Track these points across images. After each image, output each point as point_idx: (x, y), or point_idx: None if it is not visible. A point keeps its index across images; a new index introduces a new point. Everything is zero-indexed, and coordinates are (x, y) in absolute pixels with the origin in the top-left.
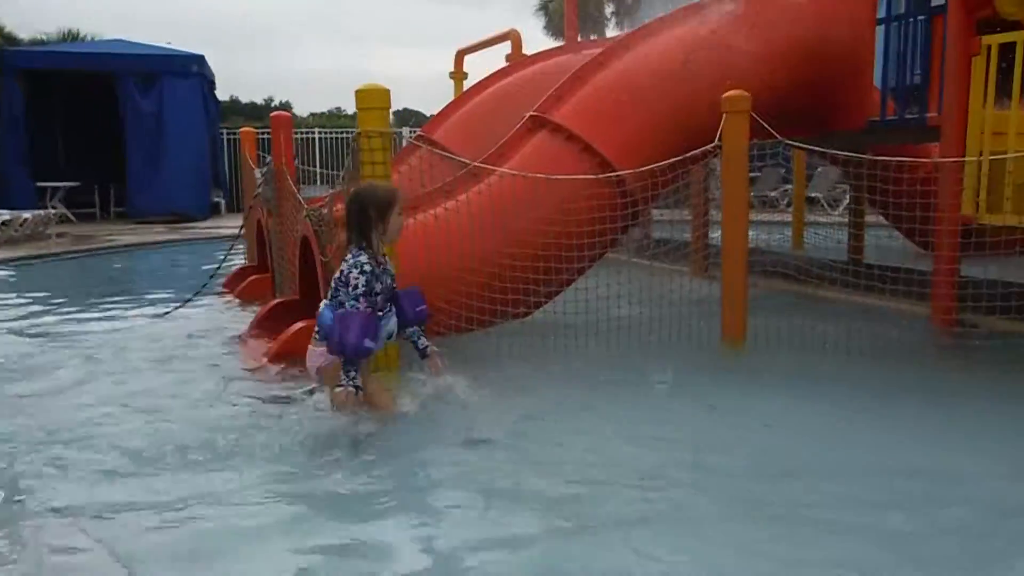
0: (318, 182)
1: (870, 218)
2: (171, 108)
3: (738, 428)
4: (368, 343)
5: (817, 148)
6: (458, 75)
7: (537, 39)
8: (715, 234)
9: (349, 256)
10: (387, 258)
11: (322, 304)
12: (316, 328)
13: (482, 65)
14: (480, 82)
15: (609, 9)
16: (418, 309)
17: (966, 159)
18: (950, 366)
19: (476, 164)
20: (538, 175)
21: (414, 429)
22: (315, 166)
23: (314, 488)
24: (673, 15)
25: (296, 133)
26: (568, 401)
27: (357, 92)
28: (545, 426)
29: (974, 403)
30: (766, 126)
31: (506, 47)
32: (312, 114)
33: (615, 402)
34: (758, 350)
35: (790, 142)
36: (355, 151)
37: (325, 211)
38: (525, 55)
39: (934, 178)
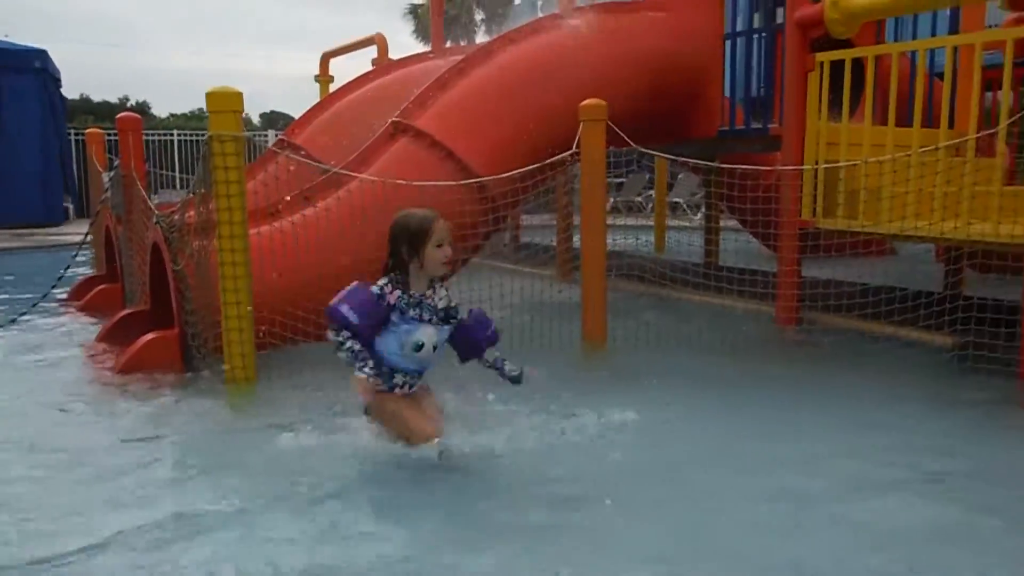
0: (177, 186)
1: (729, 222)
2: (10, 106)
3: (596, 428)
4: (348, 312)
5: (668, 155)
6: (324, 78)
7: (407, 43)
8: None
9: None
10: (436, 290)
11: None
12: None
13: (350, 68)
14: (344, 86)
15: (479, 15)
16: (489, 333)
17: (804, 167)
18: (790, 359)
19: (336, 170)
20: (400, 181)
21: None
22: (174, 170)
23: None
24: (535, 24)
25: (153, 135)
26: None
27: (208, 95)
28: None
29: (812, 392)
30: (621, 134)
31: (373, 51)
32: (172, 115)
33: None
34: (618, 350)
35: (645, 149)
36: (206, 156)
37: (177, 218)
38: (391, 59)
39: (780, 185)
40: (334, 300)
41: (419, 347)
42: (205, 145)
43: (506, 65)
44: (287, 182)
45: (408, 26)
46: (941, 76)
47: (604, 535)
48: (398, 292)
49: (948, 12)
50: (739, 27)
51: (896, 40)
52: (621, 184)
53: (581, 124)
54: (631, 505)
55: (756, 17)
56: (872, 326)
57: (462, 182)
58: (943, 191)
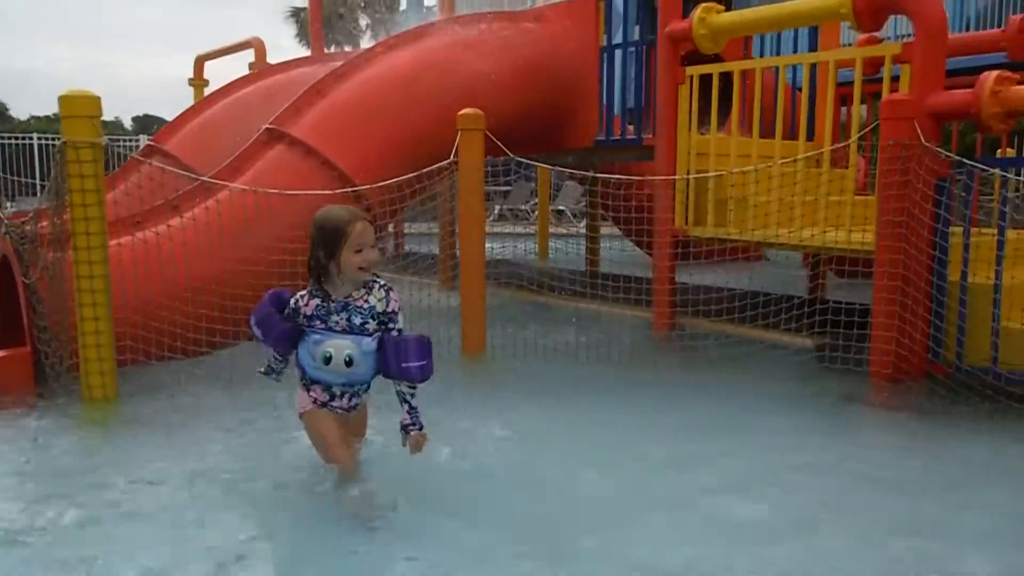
0: (36, 194)
1: (612, 229)
2: None
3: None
4: (254, 327)
5: (543, 164)
6: (198, 82)
7: (290, 47)
8: None
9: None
10: (373, 290)
11: None
12: None
13: (227, 71)
14: (218, 90)
15: (364, 21)
16: (404, 365)
17: (676, 177)
18: (665, 364)
19: (205, 179)
20: (272, 191)
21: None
22: (33, 176)
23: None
24: (416, 31)
25: (9, 138)
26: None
27: (61, 98)
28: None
29: (685, 396)
30: (498, 143)
31: (250, 54)
32: (34, 117)
33: None
34: (497, 359)
35: (521, 159)
36: (60, 163)
37: (28, 228)
38: (269, 64)
39: (653, 194)
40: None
41: (327, 359)
42: (58, 152)
43: (386, 72)
44: (152, 191)
45: (291, 29)
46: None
47: (477, 550)
48: (316, 301)
49: (808, 30)
50: (618, 40)
51: (762, 55)
52: (507, 193)
53: (459, 133)
54: (502, 519)
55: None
56: (742, 330)
57: (338, 191)
58: (802, 200)
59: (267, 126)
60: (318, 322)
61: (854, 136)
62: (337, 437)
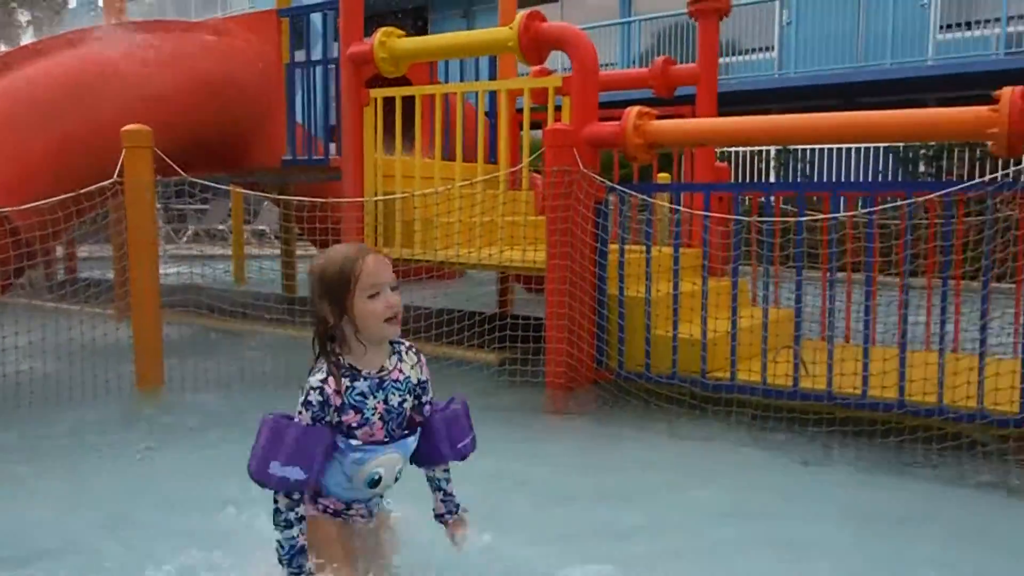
0: None
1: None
2: None
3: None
4: (280, 469)
5: (216, 185)
6: None
7: None
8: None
9: (308, 382)
10: (404, 356)
11: None
12: None
13: None
14: None
15: (25, 16)
16: (461, 444)
17: (360, 199)
18: None
19: None
20: None
21: None
22: None
23: None
24: (73, 35)
25: None
26: None
27: None
28: None
29: None
30: (169, 162)
31: None
32: None
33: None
34: (173, 392)
35: (195, 179)
36: None
37: None
38: None
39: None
40: (254, 459)
41: (374, 482)
42: None
43: (29, 81)
44: None
45: None
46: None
47: None
48: (346, 381)
49: (488, 60)
50: (317, 56)
51: (448, 80)
52: (204, 212)
53: (124, 151)
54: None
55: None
56: (430, 347)
57: None
58: (482, 221)
59: None
60: (352, 415)
61: (525, 160)
62: (346, 561)
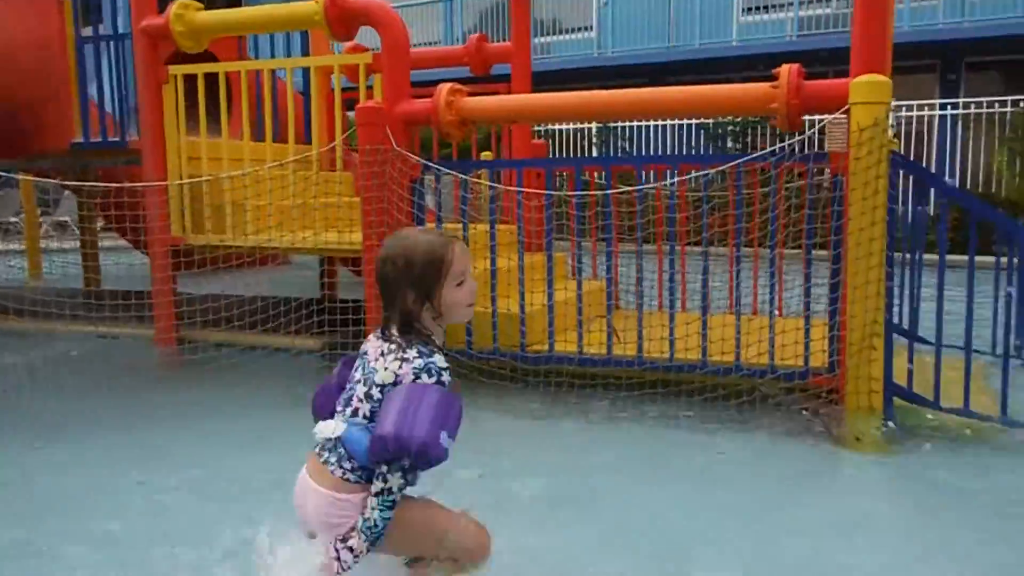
0: None
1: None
2: None
3: None
4: (447, 441)
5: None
6: None
7: None
8: None
9: (407, 363)
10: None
11: (341, 421)
12: (321, 456)
13: None
14: None
15: None
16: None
17: (167, 183)
18: (172, 384)
19: None
20: None
21: None
22: None
23: None
24: None
25: None
26: None
27: None
28: None
29: (195, 414)
30: None
31: None
32: None
33: None
34: None
35: None
36: None
37: None
38: None
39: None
40: (421, 425)
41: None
42: None
43: None
44: None
45: None
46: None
47: None
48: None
49: (300, 36)
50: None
51: (258, 57)
52: None
53: None
54: None
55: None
56: (252, 337)
57: None
58: (298, 203)
59: None
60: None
61: (338, 139)
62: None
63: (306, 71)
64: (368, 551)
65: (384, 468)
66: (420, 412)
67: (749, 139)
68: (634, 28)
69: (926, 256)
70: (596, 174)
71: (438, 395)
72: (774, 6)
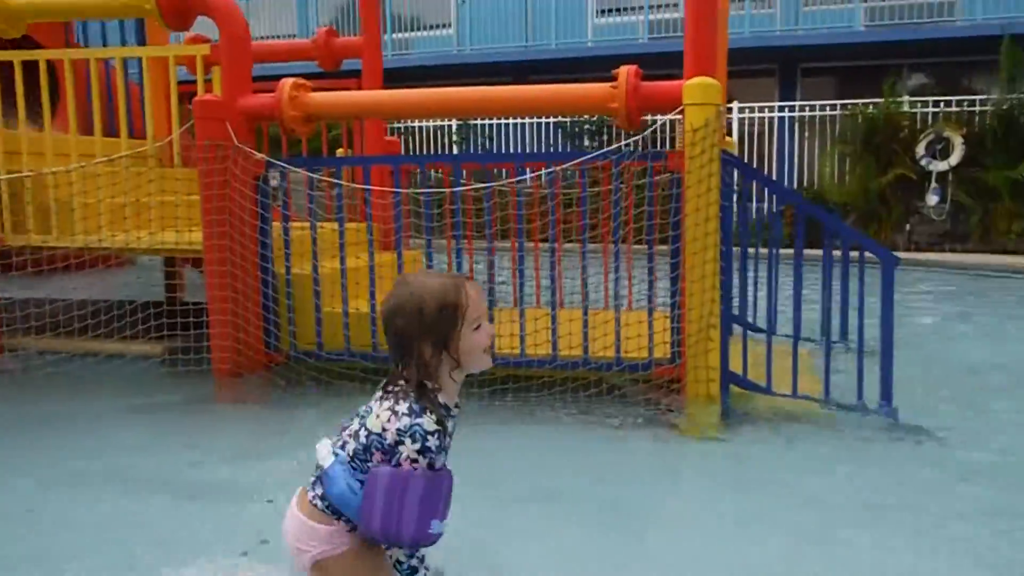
0: None
1: None
2: None
3: None
4: (438, 526)
5: None
6: None
7: None
8: None
9: (396, 417)
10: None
11: (328, 454)
12: (315, 494)
13: None
14: None
15: None
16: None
17: None
18: None
19: None
20: None
21: None
22: None
23: None
24: None
25: None
26: None
27: None
28: None
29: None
30: None
31: None
32: None
33: None
34: None
35: None
36: None
37: None
38: None
39: None
40: (410, 522)
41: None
42: None
43: None
44: None
45: None
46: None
47: None
48: (440, 427)
49: (135, 24)
50: None
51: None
52: None
53: None
54: None
55: None
56: (83, 344)
57: None
58: (132, 201)
59: None
60: (443, 458)
61: (175, 134)
62: None
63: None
64: None
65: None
66: (405, 510)
67: (605, 137)
68: (492, 26)
69: (783, 251)
70: (451, 172)
71: (423, 485)
72: (627, 9)
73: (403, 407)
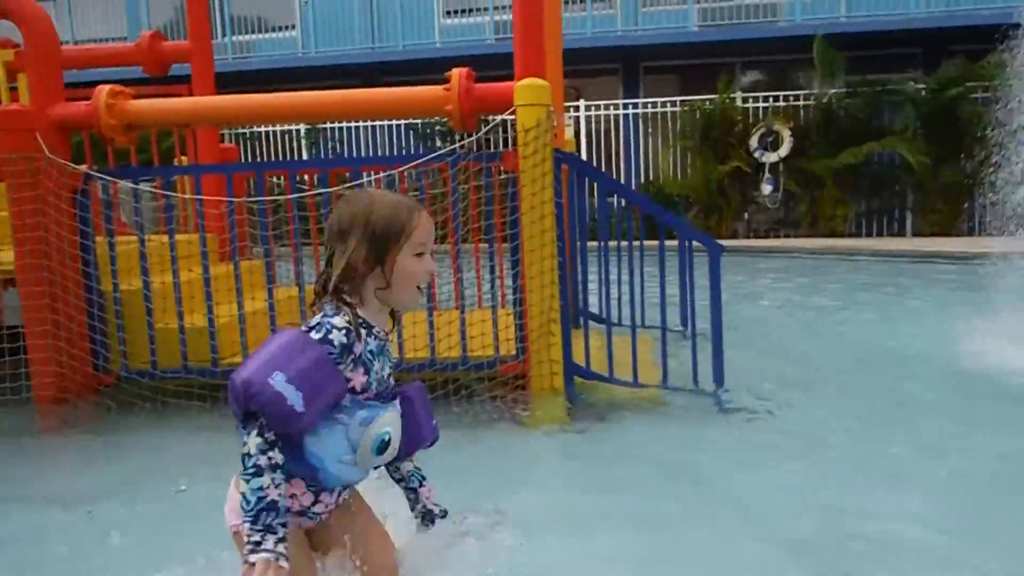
0: None
1: None
2: None
3: None
4: (283, 384)
5: None
6: None
7: None
8: None
9: (315, 319)
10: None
11: None
12: None
13: None
14: None
15: None
16: (434, 421)
17: None
18: None
19: None
20: None
21: None
22: None
23: None
24: None
25: None
26: None
27: None
28: None
29: None
30: None
31: None
32: None
33: None
34: None
35: None
36: None
37: None
38: None
39: None
40: (253, 363)
41: (383, 446)
42: None
43: None
44: None
45: None
46: None
47: None
48: (366, 336)
49: None
50: None
51: None
52: None
53: None
54: None
55: None
56: None
57: None
58: None
59: None
60: (359, 375)
61: None
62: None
63: None
64: (257, 535)
65: (242, 426)
66: (260, 353)
67: (457, 138)
68: (338, 28)
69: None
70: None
71: (290, 338)
72: (474, 10)
73: (318, 317)
